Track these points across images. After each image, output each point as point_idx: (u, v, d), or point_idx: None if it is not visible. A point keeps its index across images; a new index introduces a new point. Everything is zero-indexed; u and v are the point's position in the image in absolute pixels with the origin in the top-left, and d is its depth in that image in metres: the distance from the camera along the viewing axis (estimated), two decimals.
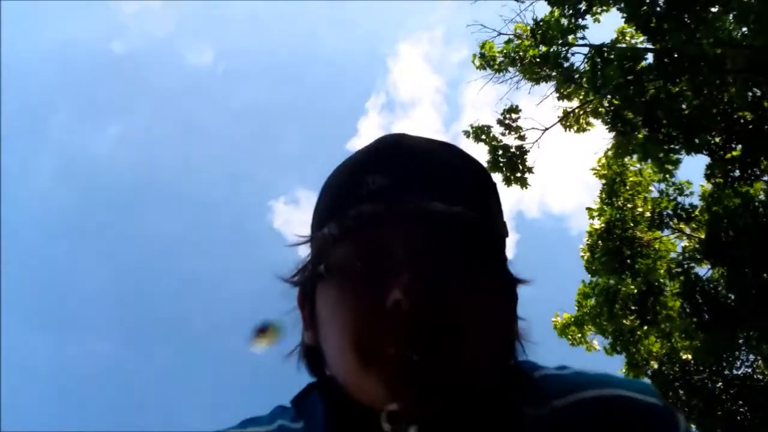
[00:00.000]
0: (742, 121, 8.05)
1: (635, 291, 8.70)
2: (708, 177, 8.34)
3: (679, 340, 8.57)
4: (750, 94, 7.89)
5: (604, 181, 8.95)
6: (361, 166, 0.74)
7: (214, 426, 0.80)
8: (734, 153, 8.11)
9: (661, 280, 8.71)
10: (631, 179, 8.82)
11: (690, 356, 8.49)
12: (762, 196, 8.23)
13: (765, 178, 8.13)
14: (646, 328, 8.63)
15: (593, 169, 8.90)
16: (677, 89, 8.22)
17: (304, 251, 0.77)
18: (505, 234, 0.77)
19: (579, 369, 0.79)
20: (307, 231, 0.78)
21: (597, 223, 8.97)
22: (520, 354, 0.77)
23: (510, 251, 0.77)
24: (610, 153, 8.87)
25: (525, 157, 9.25)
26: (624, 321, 8.68)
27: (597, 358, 9.02)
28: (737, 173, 8.08)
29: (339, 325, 0.69)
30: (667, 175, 8.61)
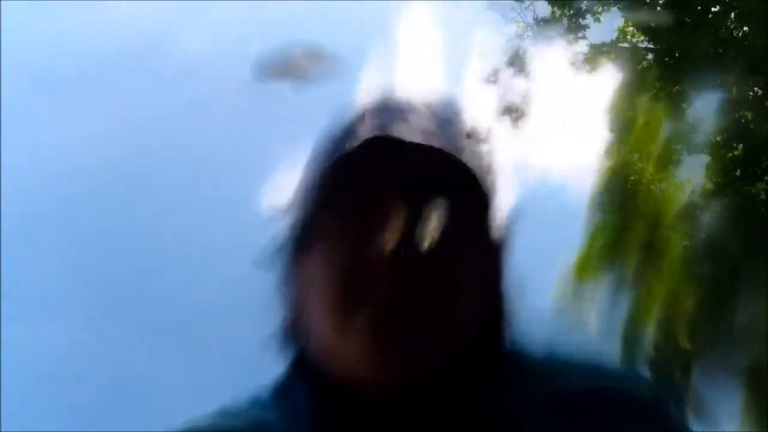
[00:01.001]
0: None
1: (642, 233, 8.48)
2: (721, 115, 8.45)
3: (684, 285, 8.31)
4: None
5: (615, 119, 8.93)
6: (352, 145, 0.72)
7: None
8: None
9: (670, 223, 8.55)
10: (643, 120, 8.84)
11: (694, 303, 8.25)
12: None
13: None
14: (651, 272, 8.33)
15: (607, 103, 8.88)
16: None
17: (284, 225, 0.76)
18: (494, 195, 0.75)
19: (569, 355, 0.78)
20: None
21: (607, 164, 8.85)
22: (507, 328, 0.75)
23: (504, 211, 0.77)
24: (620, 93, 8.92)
25: (532, 100, 9.16)
26: (630, 261, 8.38)
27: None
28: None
29: (319, 287, 0.69)
30: (679, 114, 8.67)
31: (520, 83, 9.37)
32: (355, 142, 0.70)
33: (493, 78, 9.37)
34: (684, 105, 8.57)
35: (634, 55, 8.53)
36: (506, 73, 9.43)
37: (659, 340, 8.22)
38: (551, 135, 9.44)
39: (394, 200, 0.67)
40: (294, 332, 0.75)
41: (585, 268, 8.74)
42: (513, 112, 9.25)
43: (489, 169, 0.76)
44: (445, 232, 0.67)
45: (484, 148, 0.76)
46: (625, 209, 8.63)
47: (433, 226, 0.67)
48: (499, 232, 0.75)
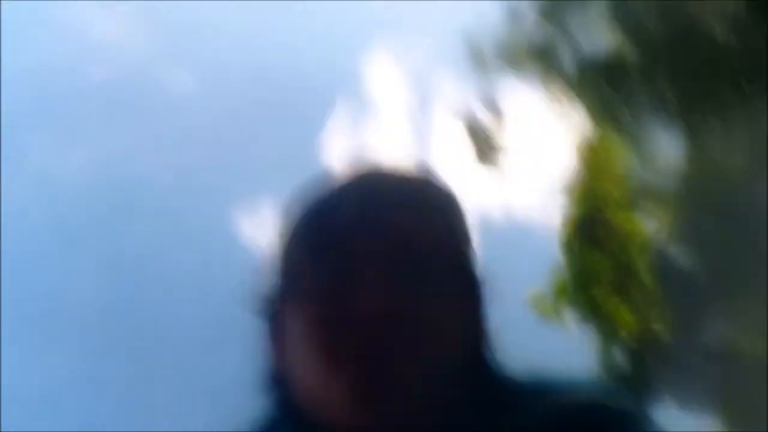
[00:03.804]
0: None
1: (608, 268, 8.75)
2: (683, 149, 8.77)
3: (652, 313, 8.56)
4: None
5: (581, 158, 9.24)
6: (331, 195, 0.77)
7: None
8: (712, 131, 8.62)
9: (634, 258, 8.84)
10: (606, 158, 9.17)
11: (663, 330, 8.48)
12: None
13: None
14: (619, 302, 8.60)
15: (573, 142, 9.20)
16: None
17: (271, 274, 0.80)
18: (469, 240, 0.79)
19: (548, 375, 0.80)
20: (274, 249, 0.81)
21: (573, 202, 9.14)
22: (489, 359, 0.78)
23: (477, 249, 0.80)
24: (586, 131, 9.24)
25: (501, 140, 9.47)
26: (597, 295, 8.64)
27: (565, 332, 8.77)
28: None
29: (304, 342, 0.72)
30: (642, 155, 9.02)
31: (491, 122, 9.65)
32: (336, 200, 0.75)
33: (464, 117, 9.64)
34: (646, 146, 8.93)
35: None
36: (478, 112, 9.70)
37: (630, 360, 8.48)
38: (520, 172, 9.68)
39: (373, 253, 0.71)
40: (279, 378, 0.77)
41: (552, 303, 9.02)
42: (484, 151, 9.52)
43: (463, 216, 0.79)
44: (424, 279, 0.71)
45: (456, 198, 0.79)
46: (592, 246, 8.89)
47: (412, 274, 0.70)
48: (476, 269, 0.78)
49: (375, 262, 0.70)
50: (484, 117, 9.69)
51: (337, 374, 0.68)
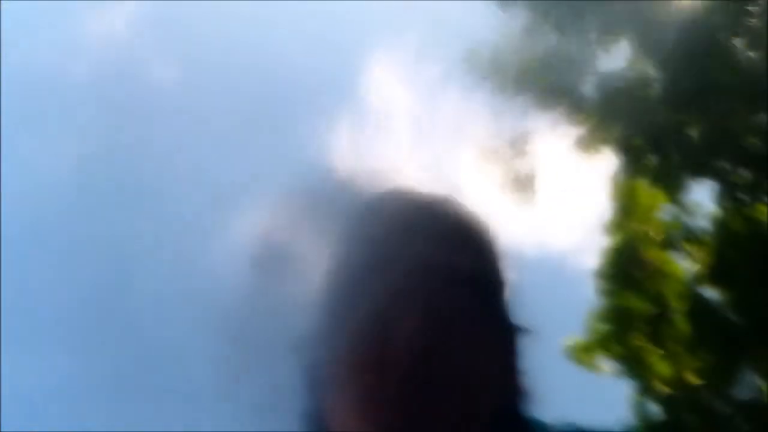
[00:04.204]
0: (749, 147, 8.59)
1: (645, 312, 8.66)
2: (717, 201, 8.70)
3: (688, 363, 8.45)
4: (757, 119, 8.52)
5: (616, 201, 9.14)
6: (369, 236, 0.77)
7: None
8: (742, 178, 8.54)
9: (671, 303, 8.73)
10: (642, 202, 9.06)
11: (698, 380, 8.36)
12: None
13: None
14: (655, 350, 8.51)
15: (607, 185, 9.11)
16: (685, 117, 8.69)
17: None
18: (504, 281, 0.80)
19: (580, 427, 0.80)
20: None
21: (610, 243, 9.04)
22: (524, 410, 0.78)
23: (512, 293, 0.80)
24: (619, 176, 9.15)
25: (533, 178, 9.39)
26: (634, 342, 8.55)
27: (606, 379, 8.73)
28: (745, 198, 8.47)
29: (344, 385, 0.72)
30: (676, 199, 8.92)
31: (522, 159, 9.58)
32: (374, 241, 0.75)
33: (494, 154, 9.58)
34: (680, 189, 8.82)
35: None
36: (508, 149, 9.63)
37: (665, 410, 8.40)
38: (554, 212, 9.61)
39: (412, 296, 0.71)
40: (317, 411, 0.76)
41: (588, 352, 8.95)
42: (517, 188, 9.47)
43: (498, 256, 0.80)
44: (461, 320, 0.71)
45: (491, 237, 0.79)
46: (629, 289, 8.81)
47: (449, 317, 0.71)
48: (512, 314, 0.78)
49: (414, 305, 0.70)
50: (512, 150, 9.61)
51: (375, 416, 0.68)
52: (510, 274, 0.79)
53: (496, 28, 9.42)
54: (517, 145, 9.54)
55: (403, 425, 0.67)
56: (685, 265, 8.97)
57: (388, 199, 0.79)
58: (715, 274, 8.51)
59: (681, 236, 8.91)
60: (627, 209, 9.11)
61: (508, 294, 0.78)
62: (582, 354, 8.76)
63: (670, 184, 8.64)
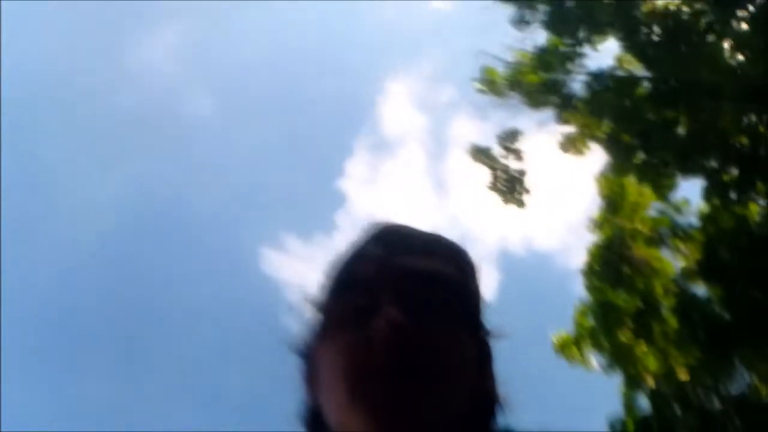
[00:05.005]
0: (737, 146, 8.64)
1: (633, 308, 8.64)
2: (705, 198, 8.71)
3: (676, 357, 8.42)
4: (745, 119, 8.61)
5: (604, 198, 9.17)
6: (357, 248, 0.88)
7: None
8: (730, 177, 8.56)
9: (659, 299, 8.72)
10: (630, 199, 9.08)
11: (686, 374, 8.33)
12: (757, 219, 8.61)
13: (761, 202, 8.59)
14: (643, 344, 8.48)
15: (595, 182, 9.14)
16: (673, 115, 8.61)
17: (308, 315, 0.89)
18: (481, 297, 0.88)
19: None
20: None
21: (597, 240, 9.06)
22: (498, 417, 0.83)
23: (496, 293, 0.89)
24: (608, 173, 9.18)
25: (523, 179, 9.43)
26: (621, 337, 8.53)
27: (595, 374, 8.70)
28: (734, 196, 8.48)
29: (334, 370, 0.79)
30: (664, 196, 8.94)
31: (510, 160, 9.62)
32: (364, 259, 0.85)
33: (484, 155, 9.62)
34: (667, 185, 8.85)
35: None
36: (497, 150, 9.68)
37: (653, 404, 8.34)
38: (543, 210, 9.63)
39: (392, 290, 0.79)
40: (314, 416, 0.83)
41: (575, 346, 8.91)
42: (504, 189, 9.50)
43: (477, 275, 0.88)
44: (439, 325, 0.78)
45: (472, 261, 0.88)
46: (617, 285, 8.80)
47: (431, 313, 0.78)
48: (487, 324, 0.86)
49: (393, 298, 0.77)
50: (503, 152, 9.66)
51: (362, 402, 0.74)
52: (487, 295, 0.87)
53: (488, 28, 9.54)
54: (506, 143, 9.59)
55: (385, 396, 0.73)
56: (674, 261, 8.98)
57: (389, 227, 0.89)
58: (704, 270, 8.51)
59: (669, 233, 8.93)
60: (615, 206, 9.14)
61: (484, 310, 0.86)
62: (570, 349, 8.72)
63: (658, 181, 8.67)
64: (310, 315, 0.87)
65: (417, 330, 0.75)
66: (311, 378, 0.84)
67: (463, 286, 0.84)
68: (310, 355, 0.85)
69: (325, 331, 0.83)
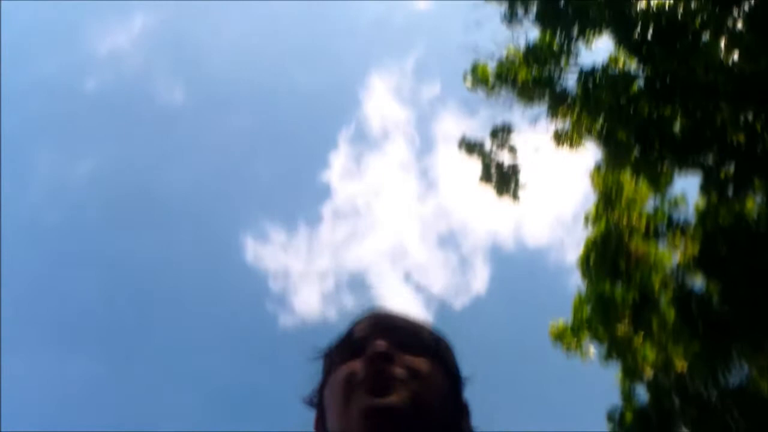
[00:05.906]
0: (734, 142, 8.72)
1: (630, 300, 8.71)
2: (703, 194, 8.78)
3: (674, 349, 8.49)
4: (742, 117, 8.71)
5: (599, 191, 9.23)
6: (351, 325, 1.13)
7: None
8: (727, 173, 8.64)
9: (656, 292, 8.79)
10: (626, 194, 9.16)
11: (685, 366, 8.39)
12: (754, 214, 8.69)
13: (758, 200, 8.66)
14: (641, 336, 8.55)
15: (589, 177, 9.21)
16: (669, 112, 8.67)
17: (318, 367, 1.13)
18: (457, 366, 1.11)
19: None
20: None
21: (593, 233, 9.12)
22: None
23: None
24: (603, 167, 9.24)
25: (516, 173, 9.50)
26: (619, 327, 8.60)
27: (592, 366, 8.76)
28: (731, 191, 8.56)
29: (335, 386, 1.02)
30: (661, 191, 9.02)
31: (503, 154, 9.68)
32: (359, 324, 1.11)
33: (475, 149, 9.69)
34: (664, 180, 8.93)
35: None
36: (489, 145, 9.74)
37: (651, 395, 8.41)
38: (538, 205, 9.65)
39: (381, 332, 1.04)
40: (321, 421, 1.05)
41: (571, 335, 8.98)
42: (497, 182, 9.57)
43: (452, 352, 1.10)
44: (417, 354, 1.02)
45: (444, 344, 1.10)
46: (614, 278, 8.87)
47: (405, 342, 1.03)
48: (457, 372, 1.08)
49: (382, 335, 1.02)
50: (495, 146, 9.72)
51: (355, 414, 0.94)
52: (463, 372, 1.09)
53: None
54: (499, 138, 9.66)
55: (378, 417, 0.92)
56: (671, 254, 9.05)
57: (379, 311, 1.14)
58: (701, 264, 8.59)
59: (666, 227, 9.00)
60: (611, 201, 9.21)
61: (459, 376, 1.08)
62: (567, 338, 8.80)
63: (655, 176, 8.75)
64: (319, 368, 1.11)
65: (399, 353, 0.99)
66: (322, 419, 1.06)
67: (438, 342, 1.08)
68: (320, 401, 1.07)
69: (331, 369, 1.05)
